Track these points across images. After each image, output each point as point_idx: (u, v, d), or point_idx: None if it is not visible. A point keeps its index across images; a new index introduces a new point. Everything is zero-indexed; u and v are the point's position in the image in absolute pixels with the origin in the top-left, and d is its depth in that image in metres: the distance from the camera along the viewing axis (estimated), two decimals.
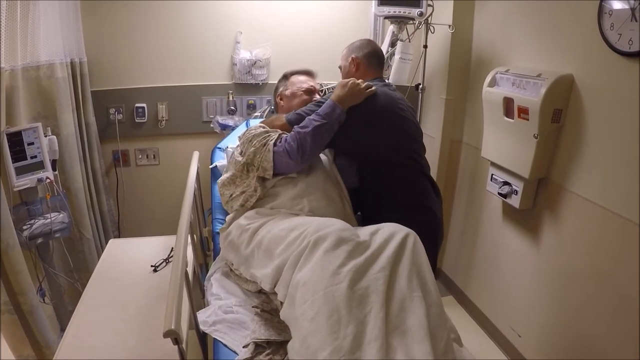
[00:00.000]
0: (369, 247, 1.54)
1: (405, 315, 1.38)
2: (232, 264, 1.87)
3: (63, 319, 2.45)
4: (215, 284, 1.87)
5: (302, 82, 2.24)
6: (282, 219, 1.77)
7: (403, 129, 2.06)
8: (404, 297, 1.42)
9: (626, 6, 1.76)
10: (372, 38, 3.35)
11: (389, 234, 1.58)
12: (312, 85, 2.24)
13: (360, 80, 2.00)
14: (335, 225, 1.56)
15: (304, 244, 1.53)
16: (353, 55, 2.20)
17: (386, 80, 2.26)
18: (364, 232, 1.63)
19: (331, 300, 1.34)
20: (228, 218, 2.06)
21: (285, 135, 1.94)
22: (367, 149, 2.04)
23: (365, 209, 2.18)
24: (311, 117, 1.93)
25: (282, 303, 1.55)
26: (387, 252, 1.51)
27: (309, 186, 1.93)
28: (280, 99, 2.27)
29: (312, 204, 1.88)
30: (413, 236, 1.58)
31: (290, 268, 1.52)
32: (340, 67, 2.29)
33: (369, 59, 2.19)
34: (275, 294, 1.60)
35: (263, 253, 1.69)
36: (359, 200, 2.15)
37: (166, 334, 1.23)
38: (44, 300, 2.35)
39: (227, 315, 1.65)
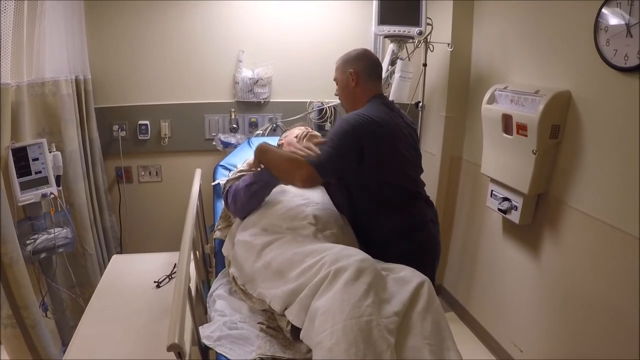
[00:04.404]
0: (387, 280, 1.59)
1: None
2: (238, 280, 1.88)
3: (65, 334, 2.46)
4: (219, 300, 1.88)
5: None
6: (292, 240, 1.79)
7: (405, 160, 2.02)
8: (418, 346, 1.44)
9: (622, 22, 1.80)
10: None
11: (405, 279, 1.60)
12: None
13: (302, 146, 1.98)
14: (354, 257, 1.55)
15: (322, 273, 1.52)
16: (351, 69, 2.07)
17: (385, 96, 2.16)
18: (380, 265, 1.65)
19: (350, 333, 1.34)
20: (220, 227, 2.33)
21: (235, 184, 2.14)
22: (371, 182, 2.02)
23: (361, 235, 2.08)
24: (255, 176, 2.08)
25: (288, 323, 1.56)
26: (402, 297, 1.53)
27: (308, 198, 2.07)
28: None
29: (315, 210, 1.97)
30: (428, 284, 1.59)
31: (308, 296, 1.51)
32: (335, 80, 2.18)
33: (369, 72, 2.09)
34: (283, 315, 1.60)
35: (273, 274, 1.69)
36: (354, 225, 2.11)
37: (170, 348, 1.24)
38: (46, 314, 2.36)
39: (232, 331, 1.65)
